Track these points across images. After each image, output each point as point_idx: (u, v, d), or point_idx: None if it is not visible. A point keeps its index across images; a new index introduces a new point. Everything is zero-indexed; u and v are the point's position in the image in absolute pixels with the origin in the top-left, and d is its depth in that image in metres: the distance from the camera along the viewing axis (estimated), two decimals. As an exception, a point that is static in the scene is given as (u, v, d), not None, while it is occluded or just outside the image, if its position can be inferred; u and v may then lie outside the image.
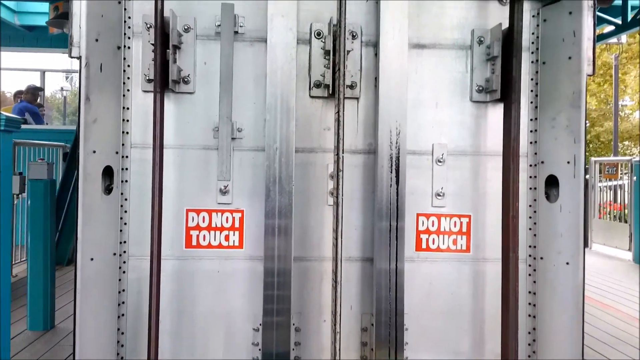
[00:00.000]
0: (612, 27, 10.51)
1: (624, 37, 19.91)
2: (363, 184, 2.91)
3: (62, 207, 7.37)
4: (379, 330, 2.76)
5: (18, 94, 10.76)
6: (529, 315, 2.94)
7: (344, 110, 2.51)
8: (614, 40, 17.87)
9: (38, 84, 14.02)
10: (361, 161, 2.91)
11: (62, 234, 7.24)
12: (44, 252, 5.08)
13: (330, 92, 2.85)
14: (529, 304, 2.94)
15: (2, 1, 9.88)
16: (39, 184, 5.09)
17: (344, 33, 2.55)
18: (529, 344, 2.93)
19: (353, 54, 2.90)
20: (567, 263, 2.85)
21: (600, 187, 11.08)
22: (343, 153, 2.50)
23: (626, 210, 10.24)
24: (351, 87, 2.89)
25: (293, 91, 2.78)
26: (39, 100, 11.20)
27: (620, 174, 10.73)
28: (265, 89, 2.80)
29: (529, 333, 2.94)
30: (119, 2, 2.83)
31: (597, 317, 5.75)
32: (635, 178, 9.64)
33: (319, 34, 2.89)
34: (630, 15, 9.89)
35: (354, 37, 2.90)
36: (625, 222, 10.05)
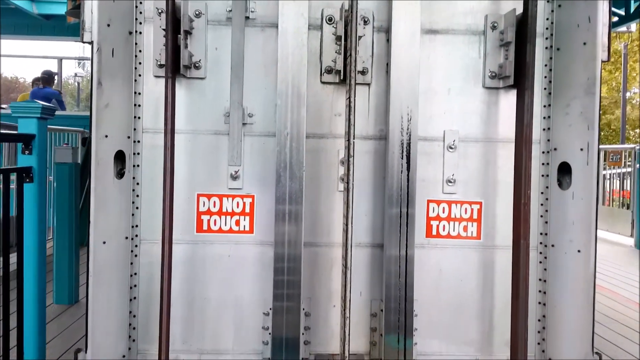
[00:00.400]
0: (615, 18, 10.38)
1: (634, 26, 19.50)
2: (373, 170, 2.82)
3: (82, 190, 7.38)
4: (388, 316, 2.69)
5: (36, 80, 10.74)
6: (539, 303, 2.85)
7: (355, 96, 2.42)
8: (623, 28, 17.56)
9: (55, 70, 13.98)
10: (372, 147, 2.82)
11: (81, 216, 7.26)
12: (69, 231, 5.21)
13: (342, 78, 2.75)
14: (539, 291, 2.85)
15: None
16: (65, 168, 5.18)
17: (356, 18, 2.45)
18: (539, 332, 2.85)
19: (365, 40, 2.80)
20: (579, 251, 2.75)
21: (605, 174, 10.92)
22: (354, 139, 2.42)
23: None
24: (362, 73, 2.79)
25: (304, 77, 2.68)
26: (55, 85, 11.18)
27: (628, 161, 10.55)
28: (276, 75, 2.70)
29: (539, 320, 2.85)
30: None
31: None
32: (638, 165, 9.47)
33: (330, 20, 2.79)
34: (633, 7, 9.82)
35: (365, 22, 2.80)
36: (628, 208, 9.92)
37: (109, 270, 2.65)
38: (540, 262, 2.86)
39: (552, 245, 2.82)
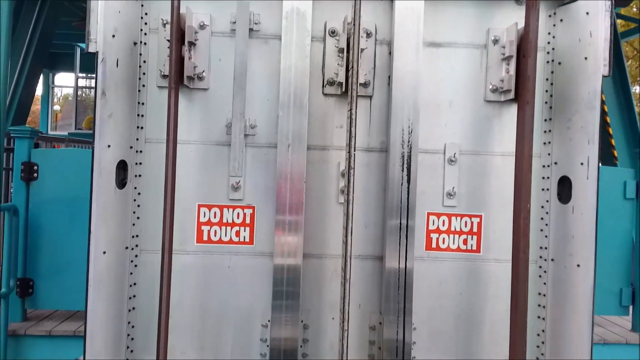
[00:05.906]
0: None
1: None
2: (374, 182, 2.67)
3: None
4: (387, 329, 2.51)
5: None
6: (539, 317, 2.67)
7: (356, 108, 2.27)
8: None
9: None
10: (373, 159, 2.68)
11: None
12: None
13: (344, 90, 2.60)
14: (539, 305, 2.68)
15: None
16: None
17: (359, 31, 2.30)
18: (538, 346, 2.67)
19: (367, 53, 2.66)
20: (578, 265, 2.58)
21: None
22: (355, 151, 2.28)
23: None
24: (364, 85, 2.65)
25: (306, 89, 2.55)
26: None
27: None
28: (278, 86, 2.56)
29: (538, 335, 2.67)
30: None
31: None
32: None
33: (333, 32, 2.66)
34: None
35: (368, 35, 2.66)
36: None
37: (108, 280, 2.48)
38: (540, 276, 2.68)
39: (552, 259, 2.66)
